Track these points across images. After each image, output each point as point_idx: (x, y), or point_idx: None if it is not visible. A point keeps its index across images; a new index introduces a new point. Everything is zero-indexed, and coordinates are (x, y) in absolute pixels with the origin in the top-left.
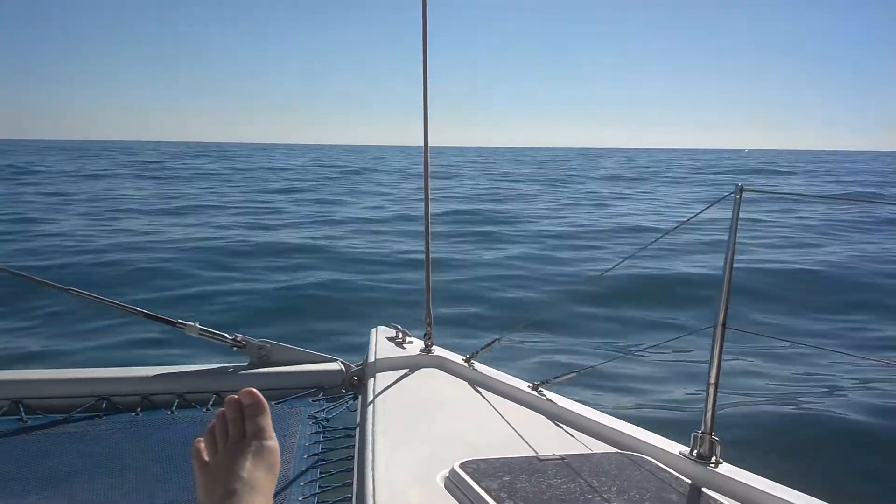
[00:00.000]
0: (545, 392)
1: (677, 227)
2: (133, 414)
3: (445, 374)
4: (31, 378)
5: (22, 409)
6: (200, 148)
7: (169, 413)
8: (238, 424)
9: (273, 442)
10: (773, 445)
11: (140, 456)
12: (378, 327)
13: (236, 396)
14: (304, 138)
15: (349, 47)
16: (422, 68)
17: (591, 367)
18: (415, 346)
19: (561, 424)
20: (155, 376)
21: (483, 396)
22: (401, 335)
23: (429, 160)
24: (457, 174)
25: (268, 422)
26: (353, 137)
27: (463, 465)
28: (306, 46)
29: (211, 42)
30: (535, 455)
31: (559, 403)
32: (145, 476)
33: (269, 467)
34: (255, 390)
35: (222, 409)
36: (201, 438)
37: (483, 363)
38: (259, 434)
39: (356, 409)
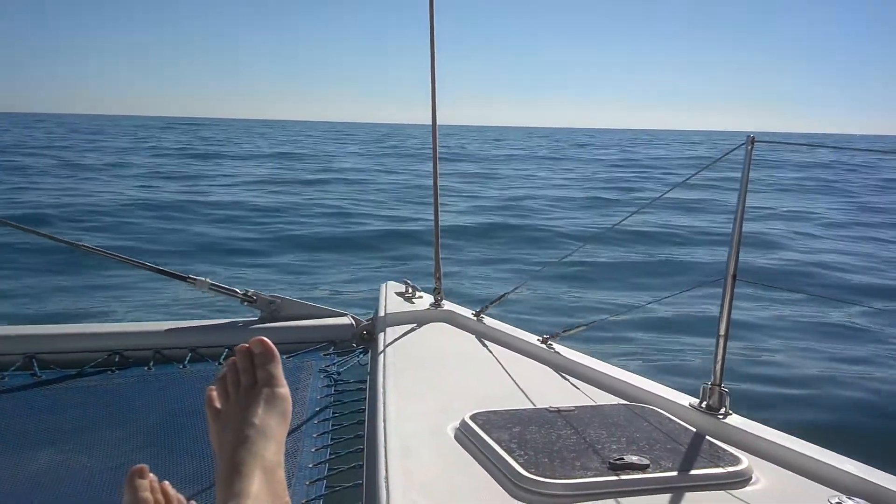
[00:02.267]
0: (554, 345)
1: (686, 180)
2: (145, 368)
3: (455, 328)
4: (44, 333)
5: (35, 364)
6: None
7: (181, 367)
8: (249, 373)
9: (284, 389)
10: (783, 397)
11: (152, 409)
12: (387, 282)
13: (247, 345)
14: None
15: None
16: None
17: (600, 320)
18: (424, 300)
19: (569, 377)
20: (167, 331)
21: (492, 350)
22: (410, 290)
23: (436, 109)
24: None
25: (279, 370)
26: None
27: (473, 417)
28: None
29: None
30: (545, 407)
31: (568, 356)
32: (158, 429)
33: (280, 414)
34: (265, 339)
35: (234, 357)
36: (213, 387)
37: (492, 317)
38: (270, 382)
39: (367, 363)
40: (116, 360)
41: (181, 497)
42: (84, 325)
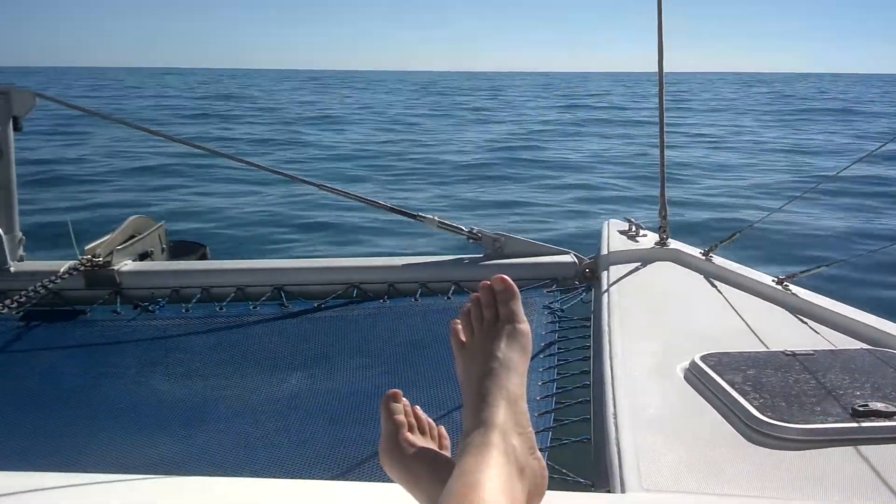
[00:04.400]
0: (790, 287)
1: None
2: (381, 301)
3: (681, 267)
4: (290, 266)
5: (283, 295)
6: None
7: (413, 301)
8: (491, 308)
9: (525, 325)
10: None
11: (388, 339)
12: (610, 220)
13: (489, 282)
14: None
15: None
16: None
17: (841, 261)
18: (649, 238)
19: (807, 320)
20: (400, 266)
21: (721, 291)
22: (634, 228)
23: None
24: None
25: (519, 307)
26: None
27: (704, 358)
28: None
29: None
30: (780, 350)
31: (806, 298)
32: (393, 357)
33: (522, 349)
34: (506, 277)
35: (476, 294)
36: (458, 321)
37: (722, 257)
38: (511, 318)
39: (590, 301)
40: (354, 293)
41: (430, 420)
42: (325, 260)
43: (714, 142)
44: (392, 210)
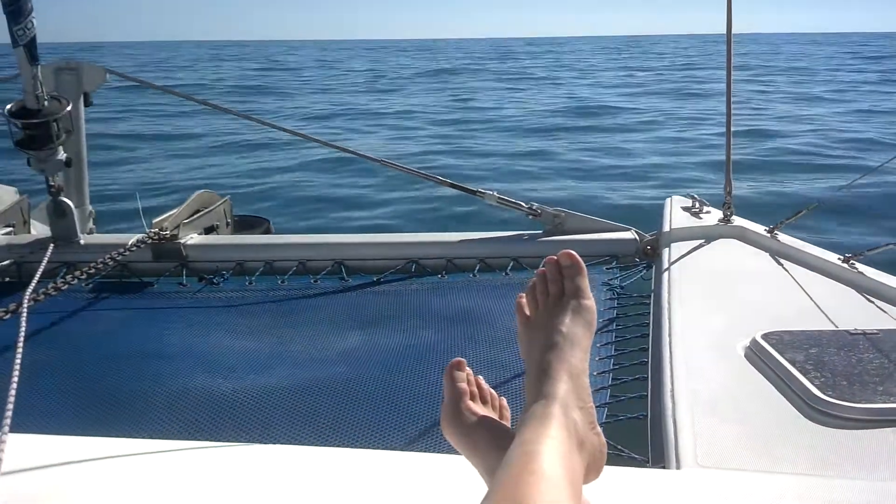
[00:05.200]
0: (857, 265)
1: None
2: (439, 276)
3: (745, 244)
4: (351, 241)
5: (343, 269)
6: None
7: (471, 276)
8: (557, 283)
9: (590, 301)
10: None
11: (446, 314)
12: (672, 197)
13: (555, 257)
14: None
15: None
16: None
17: None
18: (712, 216)
19: (873, 299)
20: (458, 242)
21: (786, 269)
22: (697, 205)
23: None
24: None
25: (585, 282)
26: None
27: (765, 336)
28: None
29: None
30: (845, 329)
31: (873, 277)
32: (450, 333)
33: (586, 325)
34: (573, 252)
35: (542, 268)
36: (523, 295)
37: (787, 234)
38: (577, 293)
39: (650, 278)
40: (413, 268)
41: (492, 391)
42: (385, 235)
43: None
44: (451, 185)
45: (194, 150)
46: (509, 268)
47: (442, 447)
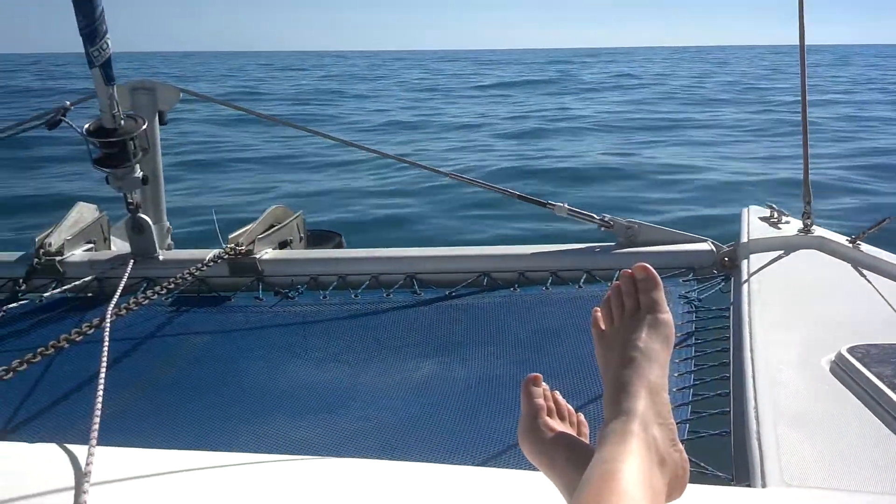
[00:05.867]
0: None
1: None
2: (511, 289)
3: (826, 255)
4: (422, 255)
5: (415, 283)
6: None
7: (543, 289)
8: (633, 297)
9: (667, 315)
10: None
11: (519, 327)
12: (750, 207)
13: (630, 271)
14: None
15: None
16: None
17: None
18: (791, 226)
19: None
20: (530, 254)
21: (869, 280)
22: (776, 215)
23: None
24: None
25: (661, 296)
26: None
27: (851, 350)
28: None
29: None
30: None
31: None
32: (524, 346)
33: (664, 339)
34: (648, 265)
35: (617, 282)
36: (598, 309)
37: (871, 244)
38: (654, 307)
39: (729, 290)
40: (485, 281)
41: (570, 407)
42: (456, 249)
43: None
44: (521, 198)
45: (267, 163)
46: (582, 280)
47: (520, 463)
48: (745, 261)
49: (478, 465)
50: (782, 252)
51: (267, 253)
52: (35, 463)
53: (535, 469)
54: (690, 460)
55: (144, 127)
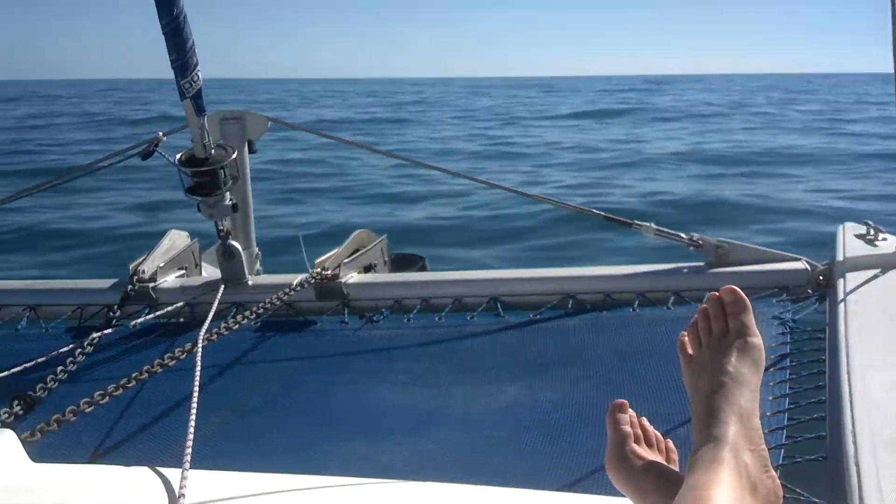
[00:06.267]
0: None
1: None
2: (597, 311)
3: None
4: (506, 277)
5: (499, 306)
6: None
7: (631, 311)
8: (721, 321)
9: (757, 339)
10: None
11: (606, 350)
12: (845, 224)
13: (718, 294)
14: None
15: None
16: None
17: None
18: (889, 243)
19: None
20: (617, 276)
21: None
22: (872, 232)
23: None
24: None
25: (751, 319)
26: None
27: None
28: None
29: None
30: None
31: None
32: (612, 369)
33: (753, 363)
34: (736, 288)
35: (704, 305)
36: (685, 333)
37: None
38: (743, 331)
39: (824, 311)
40: (570, 303)
41: (658, 433)
42: (540, 270)
43: None
44: (606, 218)
45: (354, 188)
46: (671, 302)
47: (606, 488)
48: (842, 280)
49: (563, 489)
50: (879, 270)
51: (352, 277)
52: (130, 486)
53: (621, 496)
54: (786, 486)
55: (234, 156)
